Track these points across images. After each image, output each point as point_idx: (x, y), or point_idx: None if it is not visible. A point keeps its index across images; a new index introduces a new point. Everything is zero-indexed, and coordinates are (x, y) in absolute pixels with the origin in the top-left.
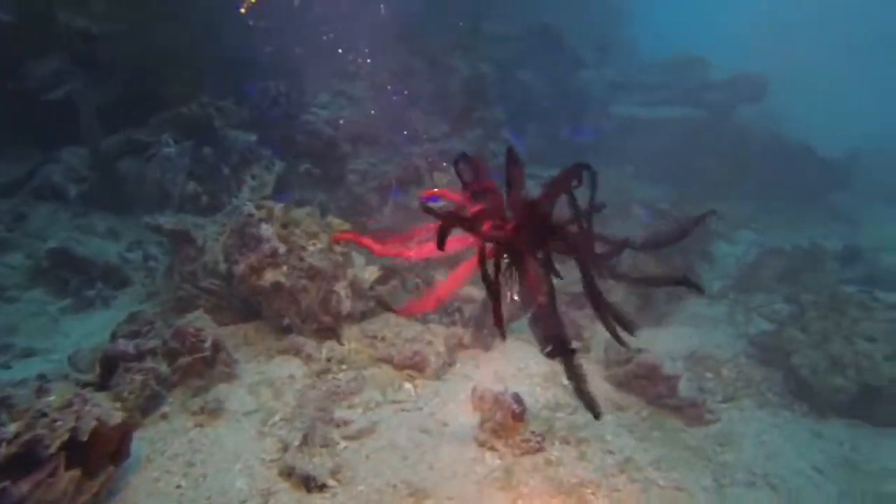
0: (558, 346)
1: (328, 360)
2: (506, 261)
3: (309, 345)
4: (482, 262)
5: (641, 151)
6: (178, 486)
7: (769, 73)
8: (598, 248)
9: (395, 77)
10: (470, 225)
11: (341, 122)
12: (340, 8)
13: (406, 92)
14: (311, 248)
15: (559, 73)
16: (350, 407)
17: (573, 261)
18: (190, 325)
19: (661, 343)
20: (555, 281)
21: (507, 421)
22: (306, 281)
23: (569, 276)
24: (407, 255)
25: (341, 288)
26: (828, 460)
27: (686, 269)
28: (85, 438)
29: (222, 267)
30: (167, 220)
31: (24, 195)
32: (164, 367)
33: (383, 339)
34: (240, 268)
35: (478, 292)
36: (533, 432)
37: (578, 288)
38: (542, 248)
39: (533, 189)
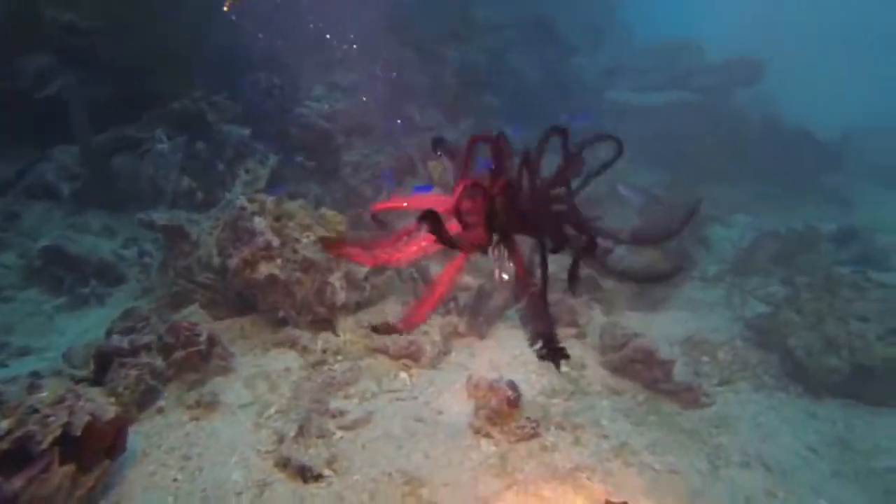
0: (546, 345)
1: (324, 351)
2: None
3: (304, 337)
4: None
5: (636, 137)
6: (175, 480)
7: (765, 56)
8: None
9: (388, 68)
10: (444, 234)
11: (332, 111)
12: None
13: (399, 83)
14: (304, 241)
15: (552, 60)
16: (346, 397)
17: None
18: (185, 319)
19: (658, 328)
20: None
21: (501, 408)
22: (300, 273)
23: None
24: (396, 259)
25: (336, 279)
26: (822, 440)
27: (680, 253)
28: (78, 433)
29: (216, 261)
30: (160, 216)
31: (16, 194)
32: (159, 362)
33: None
34: (233, 261)
35: (472, 281)
36: (528, 419)
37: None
38: (527, 232)
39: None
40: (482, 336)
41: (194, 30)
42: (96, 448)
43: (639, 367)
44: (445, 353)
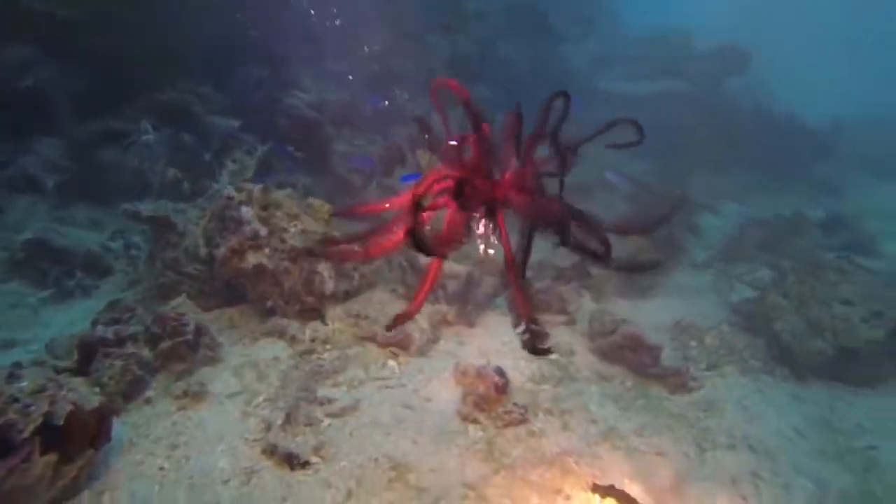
0: (527, 329)
1: (312, 340)
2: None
3: (293, 326)
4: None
5: (626, 125)
6: (161, 468)
7: (755, 45)
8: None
9: (378, 58)
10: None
11: (322, 101)
12: None
13: (389, 73)
14: (292, 230)
15: (542, 50)
16: (334, 385)
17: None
18: (172, 310)
19: (647, 314)
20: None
21: (489, 394)
22: (288, 262)
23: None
24: (386, 248)
25: (324, 268)
26: (806, 421)
27: (669, 240)
28: (60, 423)
29: (203, 251)
30: (146, 207)
31: None
32: (146, 353)
33: (367, 317)
34: (221, 251)
35: (461, 268)
36: (516, 404)
37: (565, 262)
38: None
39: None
40: (471, 324)
41: (180, 20)
42: (79, 438)
43: (627, 353)
44: (434, 341)
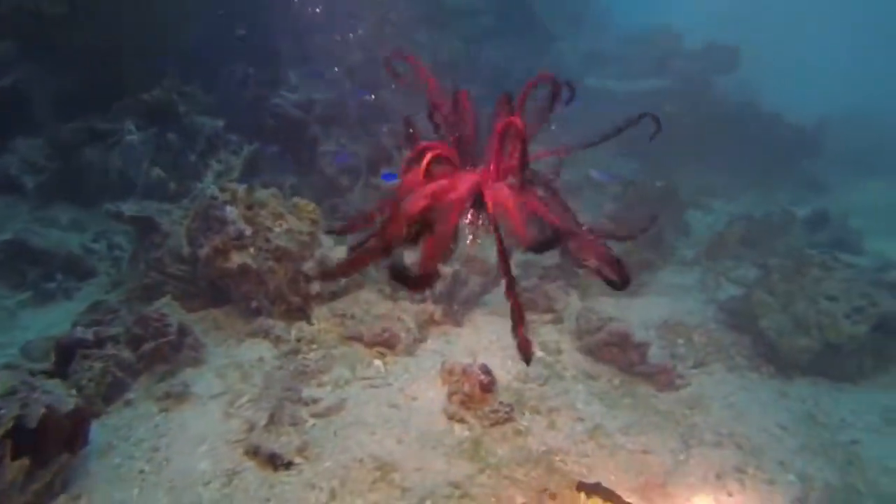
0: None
1: (298, 340)
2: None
3: (278, 326)
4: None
5: (615, 124)
6: (141, 471)
7: (744, 43)
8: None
9: (366, 56)
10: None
11: (308, 101)
12: None
13: (375, 71)
14: (276, 230)
15: (532, 47)
16: (319, 385)
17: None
18: (156, 311)
19: (635, 312)
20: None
21: (475, 392)
22: (273, 262)
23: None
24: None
25: (309, 268)
26: (791, 417)
27: (657, 238)
28: (33, 426)
29: (186, 251)
30: (129, 207)
31: None
32: (126, 354)
33: (353, 317)
34: (204, 251)
35: (446, 268)
36: (502, 403)
37: (550, 261)
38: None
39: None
40: (458, 323)
41: (165, 19)
42: (55, 441)
43: (614, 351)
44: (421, 340)
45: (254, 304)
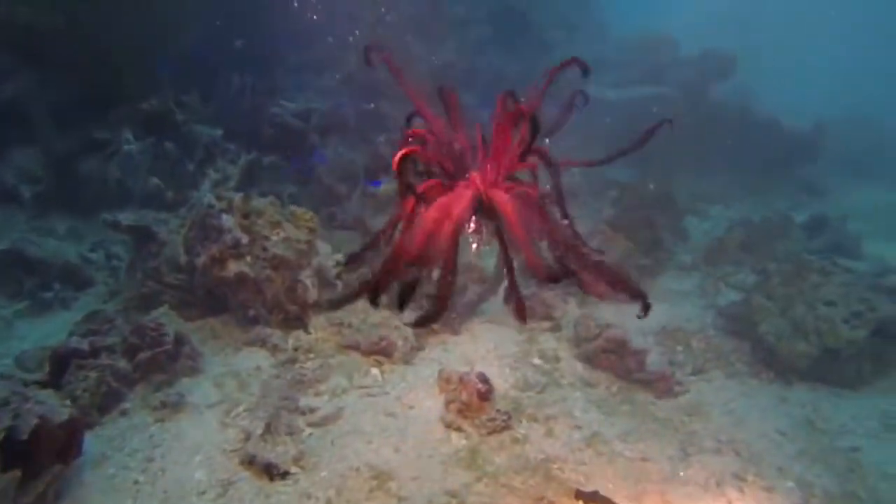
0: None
1: (295, 349)
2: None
3: (275, 335)
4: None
5: (611, 132)
6: (136, 482)
7: (743, 44)
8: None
9: (362, 66)
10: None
11: (306, 110)
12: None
13: (373, 81)
14: (274, 238)
15: (529, 57)
16: (316, 394)
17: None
18: (153, 320)
19: (632, 318)
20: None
21: (472, 401)
22: (271, 271)
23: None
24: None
25: (306, 276)
26: (791, 423)
27: (655, 243)
28: (25, 437)
29: (183, 260)
30: (126, 217)
31: None
32: (122, 364)
33: (350, 325)
34: (202, 260)
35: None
36: (499, 411)
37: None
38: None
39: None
40: (455, 331)
41: (163, 29)
42: (47, 452)
43: (612, 358)
44: (418, 348)
45: (251, 312)
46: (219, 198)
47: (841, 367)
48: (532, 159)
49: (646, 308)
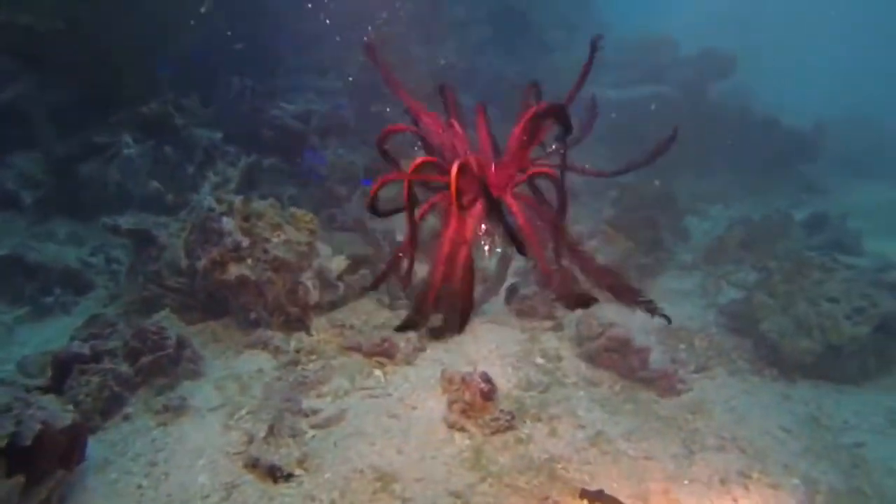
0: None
1: (297, 351)
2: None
3: (277, 337)
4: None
5: (612, 132)
6: (139, 487)
7: (743, 43)
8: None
9: (362, 68)
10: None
11: (306, 112)
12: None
13: (372, 82)
14: (274, 240)
15: (529, 58)
16: (318, 396)
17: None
18: (154, 324)
19: (634, 317)
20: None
21: (475, 401)
22: (271, 273)
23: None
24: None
25: (307, 278)
26: (795, 420)
27: (656, 242)
28: (28, 443)
29: (184, 263)
30: (126, 220)
31: None
32: (124, 368)
33: (352, 327)
34: (202, 263)
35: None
36: (503, 411)
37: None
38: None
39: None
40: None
41: (163, 32)
42: (50, 458)
43: (615, 356)
44: (420, 349)
45: (252, 315)
46: (219, 201)
47: (844, 363)
48: (549, 162)
49: (660, 314)
